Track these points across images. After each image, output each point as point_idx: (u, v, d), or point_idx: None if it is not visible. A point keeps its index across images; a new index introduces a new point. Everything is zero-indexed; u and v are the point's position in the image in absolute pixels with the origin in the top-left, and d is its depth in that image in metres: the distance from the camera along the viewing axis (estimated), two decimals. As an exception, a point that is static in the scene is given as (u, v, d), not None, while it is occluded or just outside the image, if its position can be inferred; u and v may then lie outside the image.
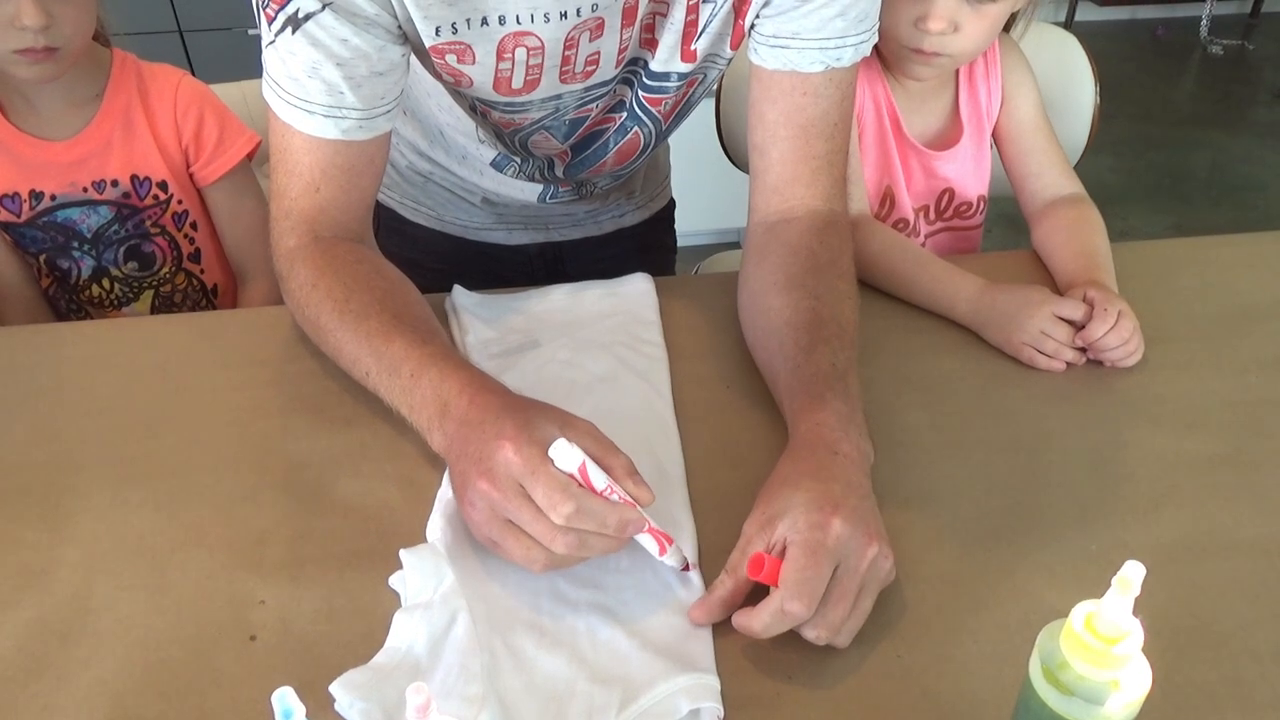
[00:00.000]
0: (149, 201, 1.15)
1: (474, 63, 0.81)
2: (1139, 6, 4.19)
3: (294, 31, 0.73)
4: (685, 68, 0.88)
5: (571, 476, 0.61)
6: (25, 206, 1.11)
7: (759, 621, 0.60)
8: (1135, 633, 0.47)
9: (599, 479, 0.61)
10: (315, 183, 0.80)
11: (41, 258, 1.16)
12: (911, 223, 1.12)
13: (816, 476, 0.65)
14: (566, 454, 0.60)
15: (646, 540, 0.63)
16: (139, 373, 0.87)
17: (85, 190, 1.12)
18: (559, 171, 1.03)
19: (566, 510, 0.59)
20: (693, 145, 1.43)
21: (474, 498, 0.62)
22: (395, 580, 0.66)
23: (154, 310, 1.22)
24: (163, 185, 1.15)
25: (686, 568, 0.66)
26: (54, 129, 1.11)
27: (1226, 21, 4.11)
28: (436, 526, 0.69)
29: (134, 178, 1.13)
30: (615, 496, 0.61)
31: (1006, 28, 1.12)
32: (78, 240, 1.15)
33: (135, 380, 0.86)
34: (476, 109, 0.92)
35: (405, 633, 0.61)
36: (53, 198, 1.12)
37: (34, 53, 1.02)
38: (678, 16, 0.83)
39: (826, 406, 0.71)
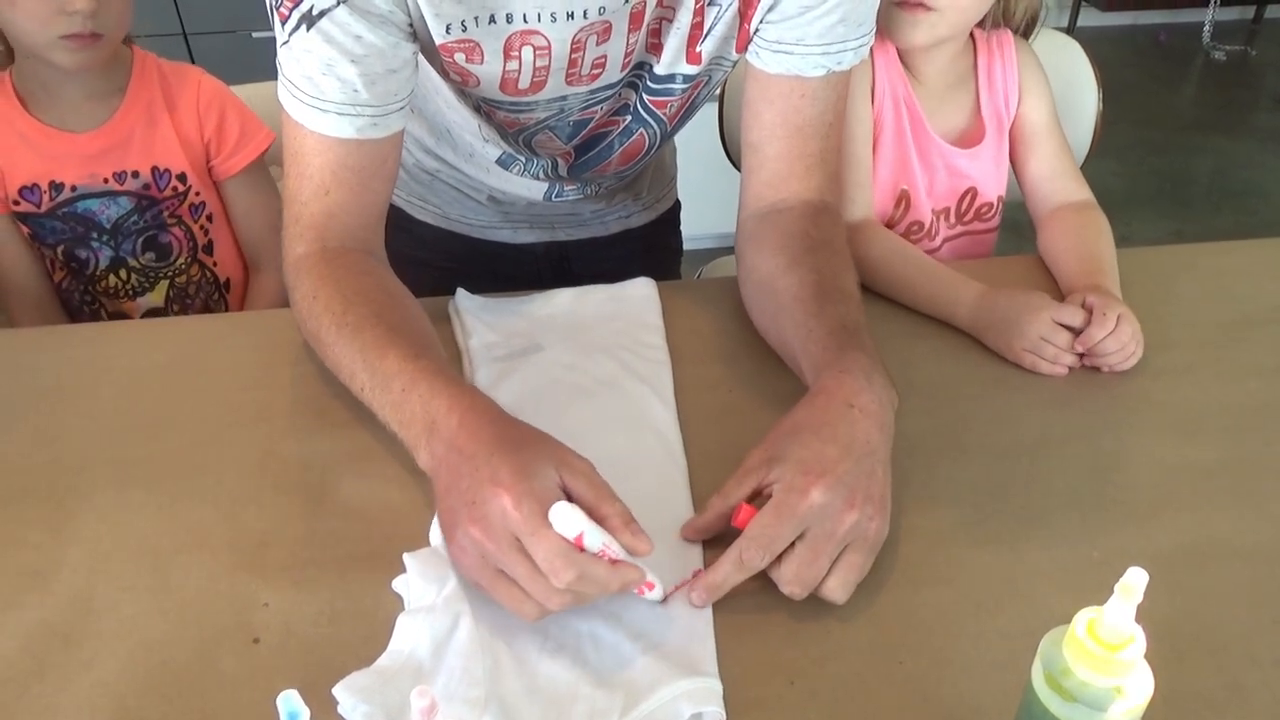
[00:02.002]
0: (168, 193, 1.17)
1: (482, 62, 0.81)
2: (1142, 12, 4.20)
3: (309, 29, 0.73)
4: (691, 70, 0.89)
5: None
6: (45, 197, 1.13)
7: (720, 572, 0.63)
8: (1138, 639, 0.47)
9: (595, 541, 0.59)
10: (326, 185, 0.79)
11: (59, 249, 1.16)
12: (927, 225, 1.12)
13: (819, 433, 0.66)
14: (566, 520, 0.58)
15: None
16: (142, 375, 0.87)
17: (106, 181, 1.13)
18: (563, 171, 1.03)
19: (568, 578, 0.57)
20: (697, 149, 1.43)
21: (464, 543, 0.61)
22: (398, 583, 0.66)
23: (168, 301, 1.23)
24: (181, 177, 1.16)
25: (663, 597, 0.65)
26: (76, 121, 1.12)
27: (1229, 27, 4.11)
28: (440, 530, 0.69)
29: (154, 169, 1.15)
30: (613, 550, 0.59)
31: (1025, 34, 1.12)
32: (96, 231, 1.16)
33: (138, 382, 0.87)
34: (481, 109, 0.92)
35: (408, 636, 0.62)
36: (73, 188, 1.13)
37: (80, 38, 1.04)
38: (683, 20, 0.84)
39: (847, 356, 0.72)
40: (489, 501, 0.59)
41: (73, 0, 1.01)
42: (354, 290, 0.77)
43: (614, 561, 0.59)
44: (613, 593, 0.60)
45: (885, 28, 1.04)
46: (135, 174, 1.14)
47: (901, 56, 1.07)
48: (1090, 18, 4.15)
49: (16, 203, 1.13)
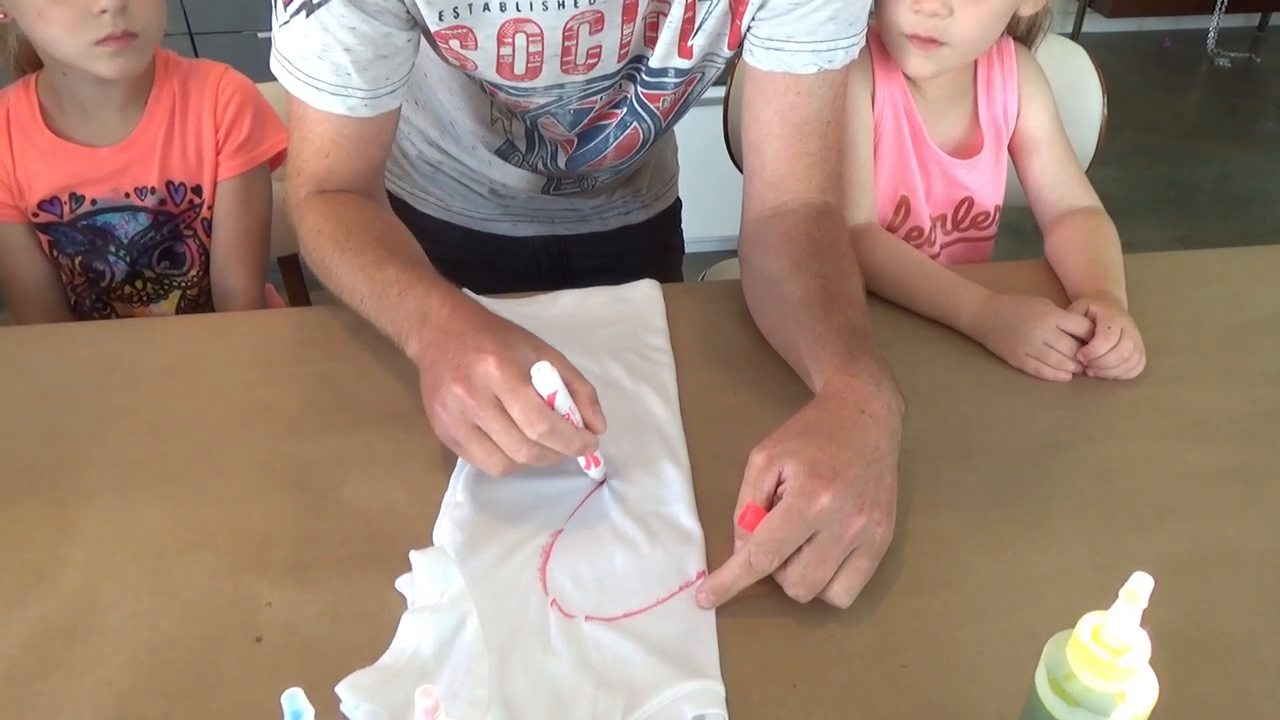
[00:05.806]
0: (184, 206, 1.15)
1: (476, 48, 0.84)
2: (1146, 18, 4.20)
3: (307, 16, 0.78)
4: (683, 64, 0.90)
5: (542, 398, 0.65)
6: (66, 209, 1.12)
7: (728, 574, 0.64)
8: (1142, 645, 0.47)
9: (564, 403, 0.66)
10: (325, 149, 0.86)
11: (77, 259, 1.15)
12: (926, 231, 1.12)
13: (832, 436, 0.66)
14: (546, 378, 0.65)
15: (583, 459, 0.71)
16: (146, 374, 0.88)
17: (127, 196, 1.12)
18: (561, 162, 1.05)
19: (541, 429, 0.64)
20: (700, 152, 1.43)
21: (447, 399, 0.66)
22: (401, 583, 0.66)
23: (179, 313, 1.21)
24: (197, 190, 1.15)
25: (603, 481, 0.74)
26: (101, 134, 1.10)
27: (1234, 34, 4.11)
28: (444, 530, 0.69)
29: (169, 183, 1.13)
30: (575, 418, 0.67)
31: (1027, 42, 1.12)
32: (114, 245, 1.15)
33: (143, 381, 0.87)
34: (485, 89, 0.94)
35: (412, 635, 0.62)
36: (93, 202, 1.12)
37: (114, 40, 1.01)
38: (676, 13, 0.85)
39: (857, 362, 0.72)
40: (474, 365, 0.65)
41: (98, 0, 0.98)
42: (355, 221, 0.83)
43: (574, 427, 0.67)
44: (572, 453, 0.67)
45: (895, 56, 1.05)
46: (153, 190, 1.13)
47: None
48: (1095, 24, 4.15)
49: (36, 214, 1.11)
